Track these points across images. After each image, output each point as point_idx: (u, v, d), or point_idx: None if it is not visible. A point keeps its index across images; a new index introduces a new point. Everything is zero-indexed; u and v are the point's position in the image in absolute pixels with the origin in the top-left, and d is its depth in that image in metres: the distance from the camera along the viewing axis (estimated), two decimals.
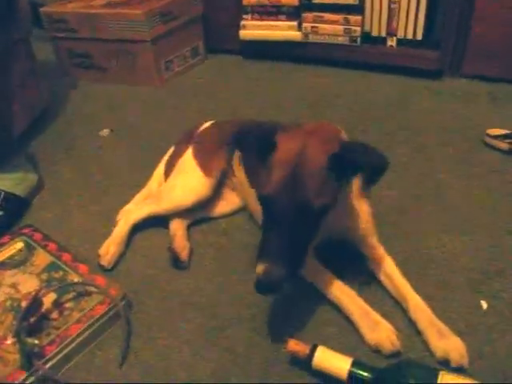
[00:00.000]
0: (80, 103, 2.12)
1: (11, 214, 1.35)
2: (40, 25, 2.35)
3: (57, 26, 2.27)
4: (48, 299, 1.00)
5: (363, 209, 1.06)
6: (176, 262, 1.15)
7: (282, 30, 2.26)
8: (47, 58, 2.42)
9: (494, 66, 1.97)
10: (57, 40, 2.33)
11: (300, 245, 0.88)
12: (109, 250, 1.17)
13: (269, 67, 2.32)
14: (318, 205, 0.85)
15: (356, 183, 1.03)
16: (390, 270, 1.03)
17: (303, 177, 0.84)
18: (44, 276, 1.08)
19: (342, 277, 1.02)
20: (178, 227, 1.23)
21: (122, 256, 1.20)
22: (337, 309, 0.99)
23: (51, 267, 1.10)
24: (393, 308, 1.00)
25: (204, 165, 1.23)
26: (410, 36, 2.05)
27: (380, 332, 0.91)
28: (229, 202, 1.32)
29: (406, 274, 1.03)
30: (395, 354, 0.89)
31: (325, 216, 0.89)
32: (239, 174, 1.26)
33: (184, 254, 1.16)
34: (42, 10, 2.29)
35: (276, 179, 0.85)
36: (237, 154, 1.24)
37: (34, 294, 0.97)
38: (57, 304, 1.00)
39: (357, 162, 0.85)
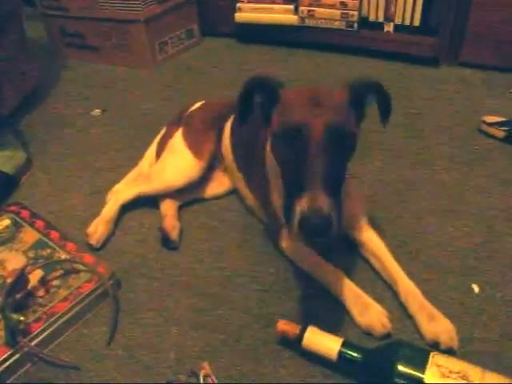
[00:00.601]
0: (72, 83, 2.08)
1: None
2: (32, 3, 2.30)
3: (48, 3, 2.22)
4: (34, 276, 0.98)
5: (352, 191, 1.04)
6: (166, 241, 1.14)
7: (279, 14, 2.22)
8: (39, 36, 2.38)
9: (491, 54, 1.95)
10: (48, 18, 2.29)
11: (336, 181, 0.80)
12: (97, 228, 1.15)
13: (264, 51, 2.29)
14: (348, 130, 0.81)
15: None
16: (381, 254, 1.02)
17: (328, 108, 0.80)
18: (31, 253, 1.06)
19: (333, 260, 1.01)
20: (168, 207, 1.22)
21: (111, 235, 1.18)
22: (328, 291, 0.98)
23: (38, 245, 1.08)
24: (384, 291, 0.99)
25: (194, 146, 1.21)
26: (407, 22, 2.02)
27: (371, 314, 0.90)
28: (220, 184, 1.31)
29: (399, 257, 1.02)
30: (386, 336, 0.89)
31: (352, 153, 0.85)
32: (228, 158, 1.25)
33: (174, 234, 1.15)
34: None
35: (297, 109, 0.81)
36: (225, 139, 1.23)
37: (19, 270, 0.95)
38: (43, 281, 0.98)
39: (373, 91, 0.86)
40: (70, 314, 0.93)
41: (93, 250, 1.13)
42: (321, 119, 0.79)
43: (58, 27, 2.28)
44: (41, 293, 0.96)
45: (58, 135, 1.66)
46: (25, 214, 1.17)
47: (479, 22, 1.92)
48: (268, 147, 1.01)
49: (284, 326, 0.86)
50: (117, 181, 1.32)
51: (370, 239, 1.04)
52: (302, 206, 0.73)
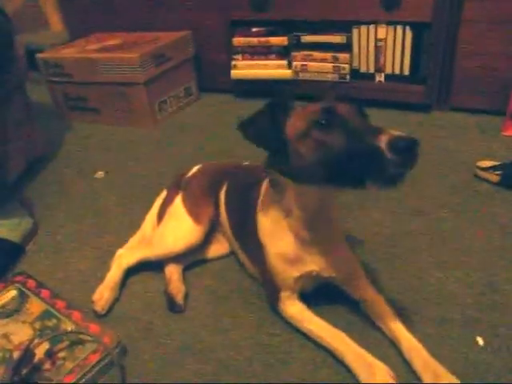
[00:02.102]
0: (75, 145, 2.15)
1: (5, 261, 1.35)
2: (36, 68, 2.41)
3: (52, 70, 2.32)
4: (41, 349, 0.98)
5: (346, 250, 1.06)
6: (172, 305, 1.15)
7: (273, 69, 2.31)
8: (43, 100, 2.47)
9: (480, 99, 2.02)
10: (53, 84, 2.38)
11: None
12: (102, 295, 1.16)
13: (261, 104, 2.35)
14: None
15: (335, 233, 1.04)
16: (382, 311, 1.02)
17: None
18: (37, 325, 1.07)
19: (333, 320, 1.02)
20: (173, 271, 1.23)
21: (116, 301, 1.19)
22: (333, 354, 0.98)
23: (44, 315, 1.09)
24: (389, 348, 0.99)
25: (193, 212, 1.24)
26: (397, 71, 2.10)
27: (376, 374, 0.89)
28: (222, 245, 1.32)
29: (401, 312, 1.03)
30: None
31: None
32: (224, 225, 1.27)
33: (180, 298, 1.16)
34: (38, 55, 2.35)
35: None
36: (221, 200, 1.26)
37: (26, 344, 0.96)
38: (49, 354, 0.98)
39: None
40: None
41: (98, 316, 1.14)
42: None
43: (61, 92, 2.38)
44: (47, 366, 0.97)
45: (62, 199, 1.70)
46: (31, 283, 1.19)
47: (465, 69, 1.99)
48: (260, 206, 1.04)
49: None
50: (121, 244, 1.34)
51: (370, 296, 1.05)
52: (385, 137, 0.73)
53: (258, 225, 1.05)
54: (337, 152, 0.80)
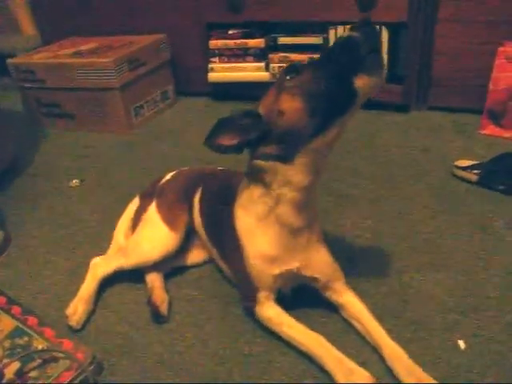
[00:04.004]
0: (49, 153, 2.09)
1: None
2: (7, 74, 2.34)
3: (24, 76, 2.26)
4: (10, 369, 0.94)
5: (325, 253, 1.04)
6: (156, 316, 1.11)
7: (250, 72, 2.29)
8: (15, 107, 2.41)
9: (457, 97, 2.03)
10: (25, 90, 2.32)
11: None
12: (77, 309, 1.12)
13: (239, 107, 2.33)
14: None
15: (316, 229, 1.03)
16: (363, 317, 1.00)
17: None
18: (7, 343, 1.02)
19: (313, 325, 1.00)
20: (155, 279, 1.20)
21: (91, 314, 1.15)
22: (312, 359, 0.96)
23: (15, 333, 1.04)
24: (371, 354, 0.97)
25: (168, 219, 1.21)
26: None
27: (356, 380, 0.88)
28: (200, 252, 1.29)
29: (382, 316, 1.02)
30: None
31: None
32: (200, 232, 1.25)
33: (164, 307, 1.13)
34: (8, 61, 2.29)
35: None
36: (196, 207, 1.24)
37: None
38: (20, 374, 0.94)
39: None
40: None
41: (73, 331, 1.10)
42: None
43: (33, 98, 2.32)
44: None
45: (35, 209, 1.65)
46: (1, 300, 1.14)
47: (442, 69, 2.00)
48: (239, 206, 1.01)
49: None
50: (98, 254, 1.29)
51: (350, 302, 1.03)
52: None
53: (236, 224, 1.02)
54: (316, 77, 0.85)
